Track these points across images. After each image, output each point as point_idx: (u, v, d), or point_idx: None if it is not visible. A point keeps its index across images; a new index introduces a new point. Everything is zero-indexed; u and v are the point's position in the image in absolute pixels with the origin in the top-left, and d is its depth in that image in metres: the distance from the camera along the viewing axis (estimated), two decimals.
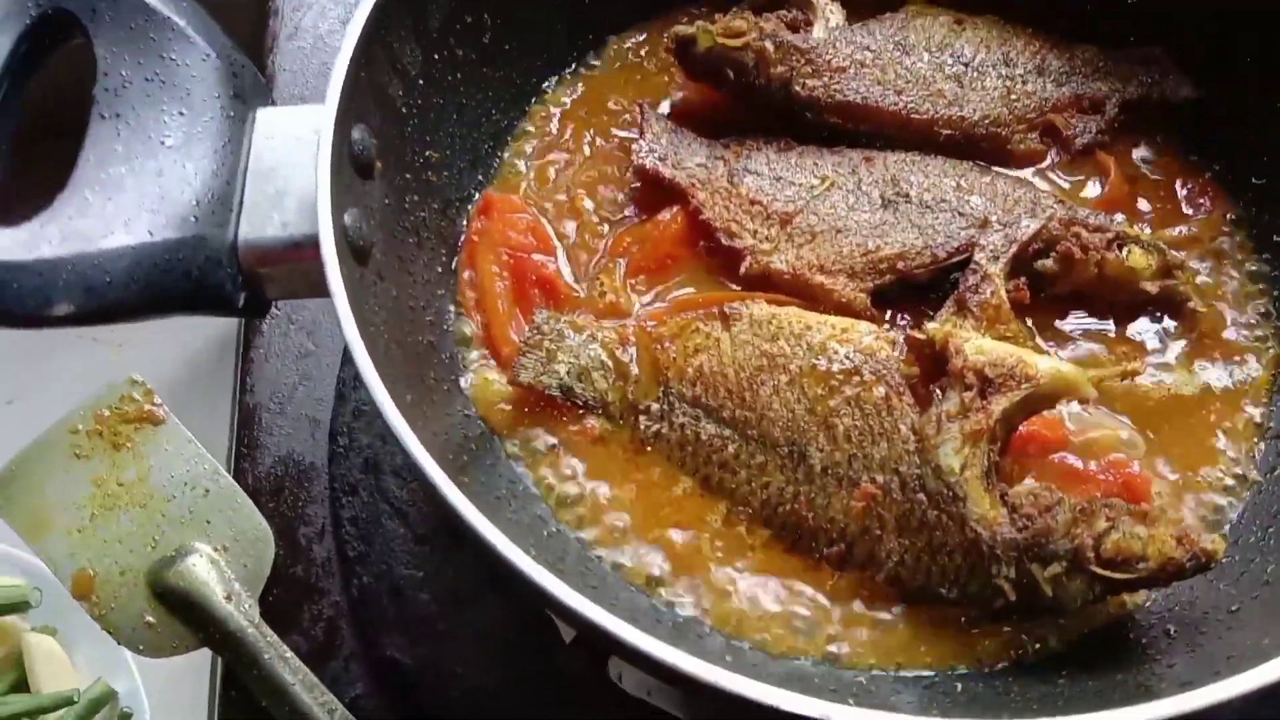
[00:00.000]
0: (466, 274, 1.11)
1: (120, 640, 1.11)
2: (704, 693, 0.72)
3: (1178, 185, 1.17)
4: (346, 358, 1.27)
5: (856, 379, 0.97)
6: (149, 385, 1.23)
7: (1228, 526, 0.99)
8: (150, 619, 1.12)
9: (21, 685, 1.57)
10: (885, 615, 0.94)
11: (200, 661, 1.75)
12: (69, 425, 1.21)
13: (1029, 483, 0.92)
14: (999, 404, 0.90)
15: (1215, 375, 1.06)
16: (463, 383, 1.05)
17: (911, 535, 0.91)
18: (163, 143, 0.90)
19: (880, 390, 0.96)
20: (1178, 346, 1.08)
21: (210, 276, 0.87)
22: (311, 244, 0.88)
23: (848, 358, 0.98)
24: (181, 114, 0.92)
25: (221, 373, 2.06)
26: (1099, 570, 0.85)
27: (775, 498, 0.97)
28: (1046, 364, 0.92)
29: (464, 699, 1.06)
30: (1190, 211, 1.15)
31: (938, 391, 0.94)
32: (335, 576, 1.17)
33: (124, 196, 0.86)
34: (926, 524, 0.91)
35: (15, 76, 0.91)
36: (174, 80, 0.94)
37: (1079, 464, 1.00)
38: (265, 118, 0.97)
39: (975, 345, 0.94)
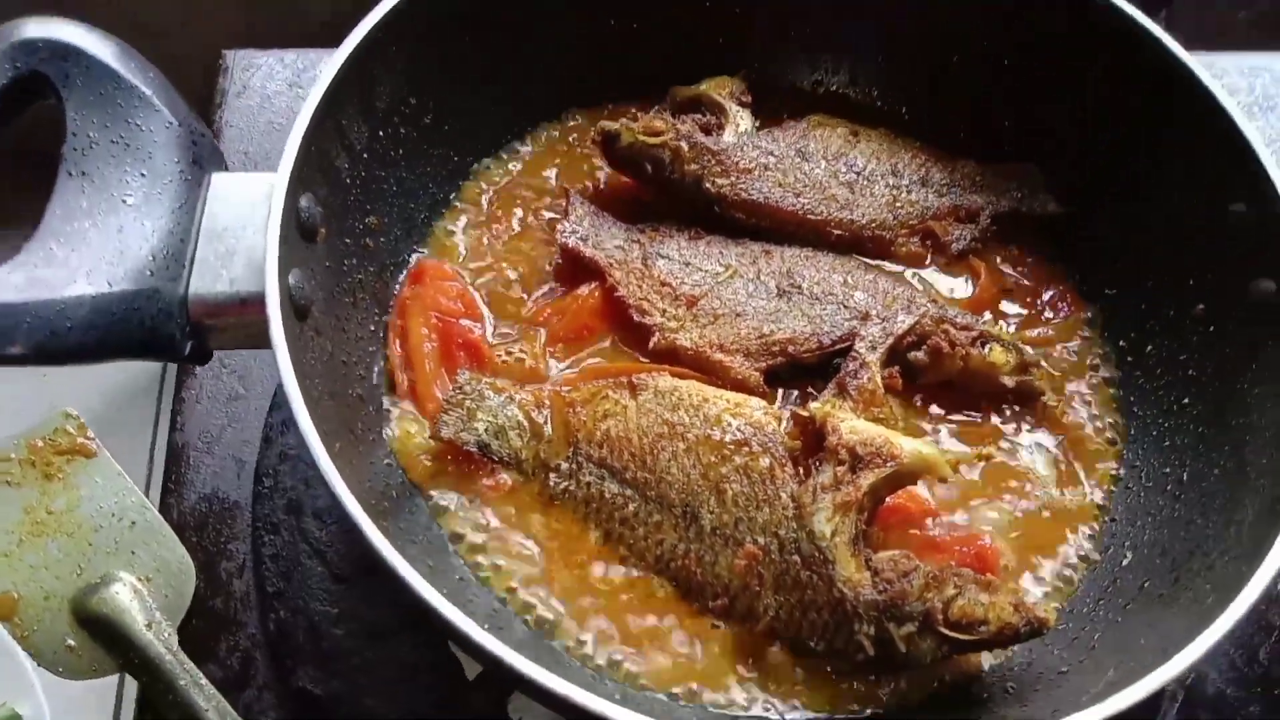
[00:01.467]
0: (397, 333, 1.20)
1: (41, 662, 1.16)
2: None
3: (1042, 290, 1.31)
4: (275, 403, 1.35)
5: (746, 449, 1.08)
6: (82, 419, 1.29)
7: (1071, 596, 1.11)
8: (72, 643, 1.17)
9: None
10: (766, 663, 1.04)
11: (105, 689, 1.79)
12: (2, 454, 1.26)
13: (891, 551, 1.03)
14: (867, 478, 1.02)
15: (1064, 467, 1.18)
16: (387, 434, 1.13)
17: (786, 592, 1.02)
18: (124, 201, 0.98)
19: (766, 461, 1.07)
20: (1037, 436, 1.20)
21: (162, 327, 0.95)
22: (257, 300, 0.96)
23: (739, 430, 1.09)
24: (143, 175, 1.01)
25: (142, 409, 2.12)
26: (946, 631, 0.97)
27: (668, 554, 1.07)
28: (910, 445, 1.04)
29: None
30: (1050, 315, 1.29)
31: (815, 464, 1.05)
32: (253, 610, 1.23)
33: (86, 249, 0.94)
34: (800, 583, 1.01)
35: None
36: (138, 144, 1.02)
37: (937, 534, 1.12)
38: (219, 182, 1.05)
39: (849, 425, 1.05)
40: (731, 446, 1.08)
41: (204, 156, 1.05)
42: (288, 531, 1.24)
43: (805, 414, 1.09)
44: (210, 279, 0.99)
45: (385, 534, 0.88)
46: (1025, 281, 1.31)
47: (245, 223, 1.03)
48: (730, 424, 1.10)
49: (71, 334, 0.90)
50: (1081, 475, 1.18)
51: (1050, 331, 1.27)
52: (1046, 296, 1.30)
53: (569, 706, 0.83)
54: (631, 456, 1.10)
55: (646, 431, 1.10)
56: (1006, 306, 1.29)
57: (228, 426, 1.36)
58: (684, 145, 1.25)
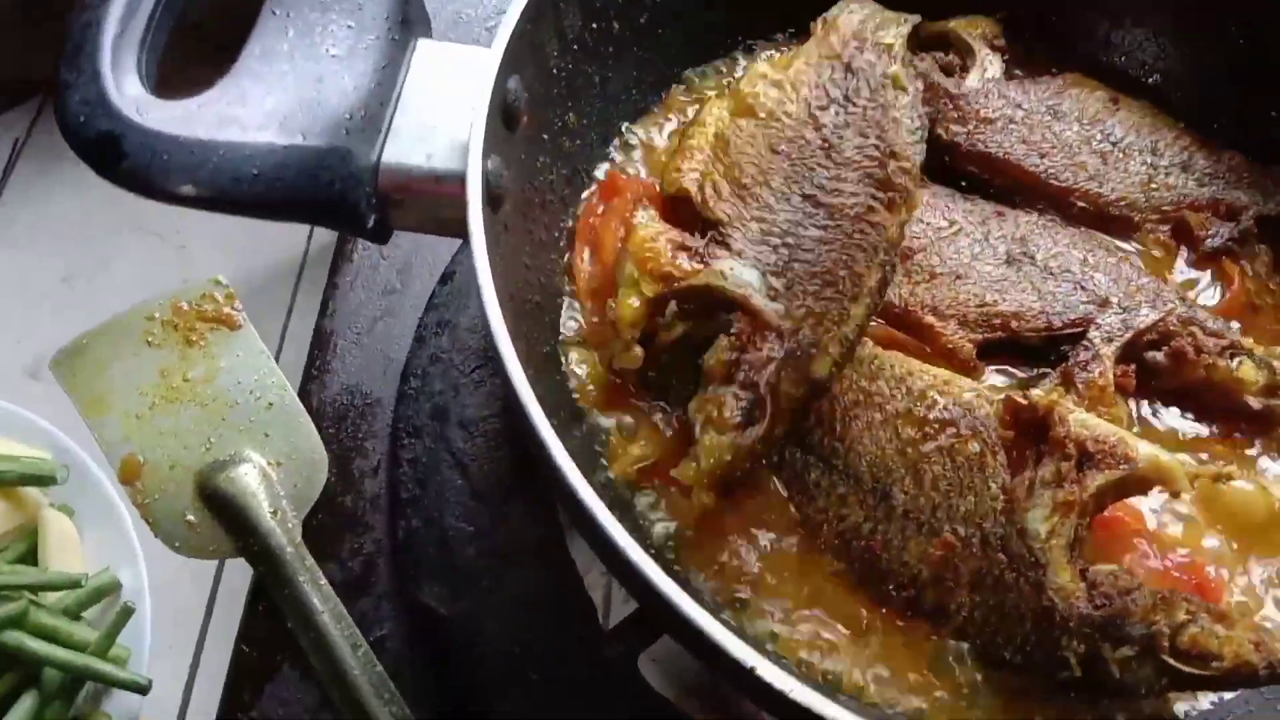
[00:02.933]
0: (583, 252, 1.10)
1: (157, 533, 1.11)
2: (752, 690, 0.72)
3: None
4: (431, 304, 1.27)
5: (952, 430, 0.96)
6: (231, 289, 1.23)
7: None
8: (192, 518, 1.11)
9: (30, 559, 1.57)
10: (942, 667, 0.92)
11: (203, 570, 1.76)
12: (146, 312, 1.21)
13: (1111, 565, 0.91)
14: (1095, 479, 0.89)
15: None
16: (561, 353, 1.04)
17: (985, 593, 0.90)
18: (328, 50, 0.90)
19: (975, 446, 0.95)
20: (1277, 463, 1.06)
21: (350, 192, 0.87)
22: (453, 180, 0.87)
23: (946, 409, 0.97)
24: (350, 27, 0.92)
25: (276, 295, 2.07)
26: (1171, 661, 0.84)
27: (851, 531, 0.95)
28: (1147, 449, 0.90)
29: (492, 660, 1.05)
30: None
31: (1033, 457, 0.92)
32: (383, 515, 1.16)
33: (283, 94, 0.86)
34: (1002, 584, 0.89)
35: None
36: None
37: (1155, 557, 0.98)
38: (426, 49, 0.96)
39: (1079, 418, 0.92)
40: (936, 425, 0.96)
41: (413, 18, 0.96)
42: (430, 438, 1.17)
43: (1025, 401, 0.97)
44: (406, 150, 0.91)
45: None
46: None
47: (449, 96, 0.94)
48: (936, 401, 0.97)
49: (257, 182, 0.82)
50: None
51: None
52: None
53: (730, 664, 0.73)
54: (819, 421, 0.98)
55: (839, 397, 0.99)
56: (1256, 320, 1.13)
57: (380, 319, 1.29)
58: (919, 84, 1.12)
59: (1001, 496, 0.92)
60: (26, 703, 1.45)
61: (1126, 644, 0.85)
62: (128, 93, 0.81)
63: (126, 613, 1.52)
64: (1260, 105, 1.20)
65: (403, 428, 1.18)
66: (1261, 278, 1.15)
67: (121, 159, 0.79)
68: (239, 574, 1.74)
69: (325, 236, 2.09)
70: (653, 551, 0.95)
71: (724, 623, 0.90)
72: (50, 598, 1.52)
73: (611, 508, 0.81)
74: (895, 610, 0.94)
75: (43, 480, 1.57)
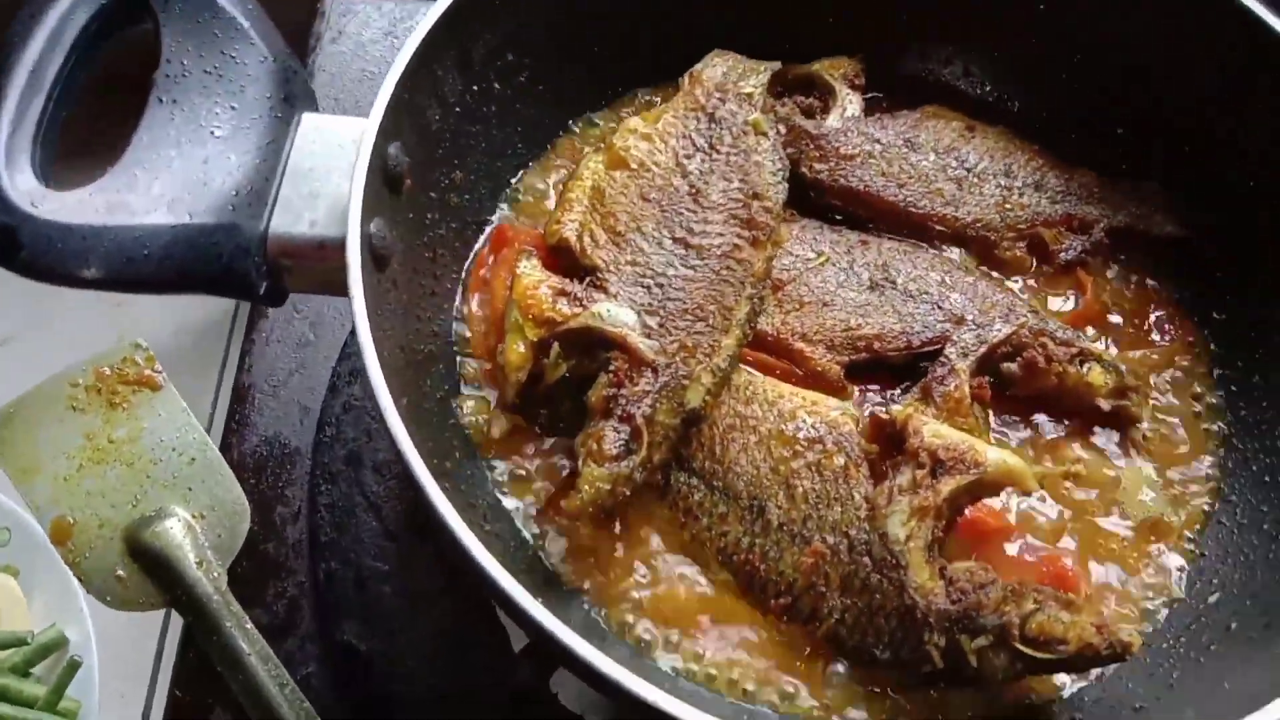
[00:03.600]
0: (475, 300, 1.17)
1: (90, 589, 1.15)
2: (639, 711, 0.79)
3: (1150, 310, 1.24)
4: (344, 353, 1.33)
5: (819, 447, 1.03)
6: (151, 352, 1.28)
7: (1150, 629, 1.05)
8: (122, 573, 1.16)
9: None
10: (823, 670, 1.00)
11: (150, 622, 1.80)
12: (69, 378, 1.26)
13: (968, 562, 0.98)
14: (947, 484, 0.97)
15: (1154, 497, 1.12)
16: (454, 399, 1.11)
17: (853, 595, 0.98)
18: (212, 133, 0.97)
19: (840, 460, 1.02)
20: (1129, 461, 1.14)
21: (239, 263, 0.93)
22: (337, 245, 0.94)
23: (814, 427, 1.05)
24: (233, 108, 0.99)
25: (211, 348, 2.13)
26: (1021, 647, 0.91)
27: (732, 546, 1.03)
28: (995, 454, 0.99)
29: (411, 691, 1.11)
30: (1157, 337, 1.22)
31: (892, 468, 1.00)
32: (304, 559, 1.22)
33: (171, 178, 0.93)
34: (868, 586, 0.97)
35: (83, 51, 0.98)
36: (231, 76, 1.00)
37: (1014, 554, 1.06)
38: (309, 122, 1.03)
39: (933, 429, 1.01)
40: (804, 443, 1.04)
41: (296, 95, 1.03)
42: (345, 482, 1.23)
43: (886, 416, 1.05)
44: (291, 219, 0.97)
45: (445, 493, 0.85)
46: (1132, 299, 1.24)
47: (332, 166, 1.01)
48: (805, 421, 1.05)
49: (148, 262, 0.89)
50: (1171, 507, 1.12)
51: (1154, 355, 1.20)
52: (1154, 317, 1.23)
53: (614, 688, 0.80)
54: (699, 445, 1.06)
55: (717, 422, 1.06)
56: (1109, 325, 1.22)
57: (295, 372, 1.35)
58: (781, 128, 1.20)
59: (865, 505, 1.00)
60: None
61: (981, 634, 0.93)
62: (21, 187, 0.87)
63: (74, 666, 1.57)
64: (1105, 124, 1.29)
65: (320, 474, 1.24)
66: (1113, 285, 1.24)
67: (18, 250, 0.85)
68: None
69: None
70: (548, 579, 1.02)
71: (615, 642, 0.98)
72: (1, 656, 1.57)
73: (504, 542, 0.88)
74: (775, 615, 1.01)
75: None
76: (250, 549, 1.21)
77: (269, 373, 1.34)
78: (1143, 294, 1.24)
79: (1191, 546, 1.10)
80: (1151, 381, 1.18)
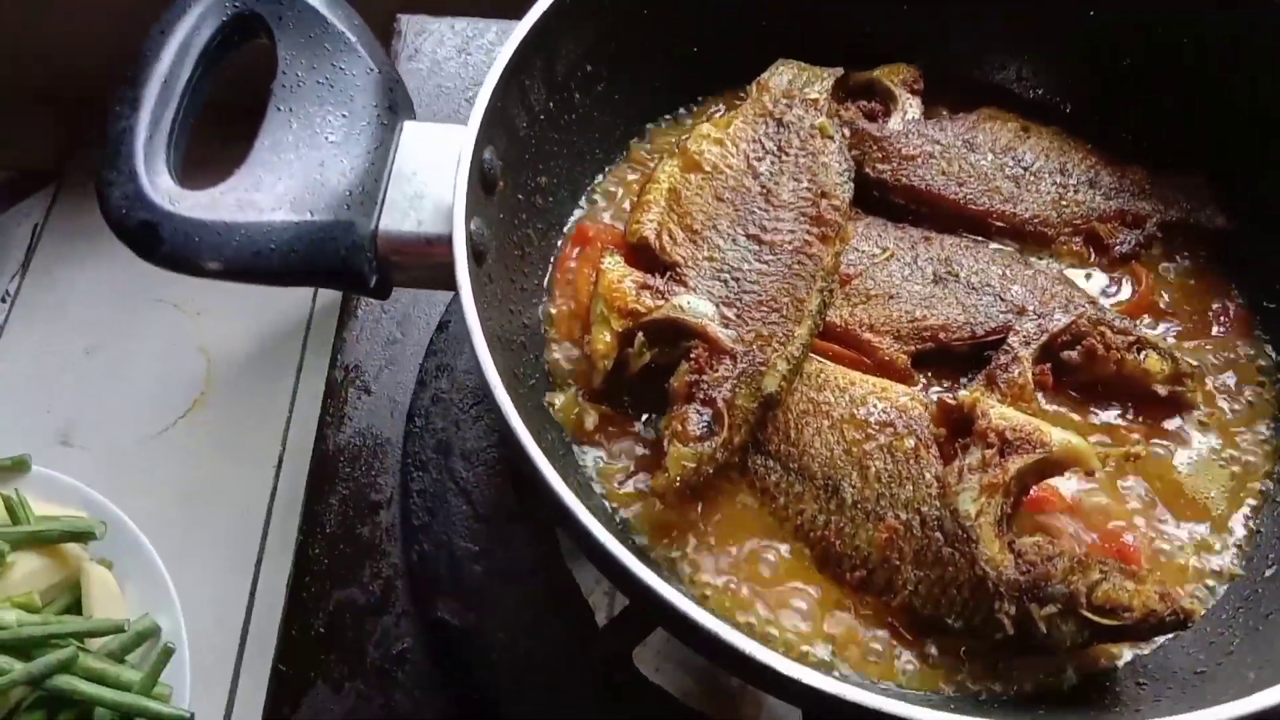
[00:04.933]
0: (561, 294, 1.24)
1: None
2: (740, 668, 0.84)
3: (1206, 300, 1.28)
4: (430, 349, 1.41)
5: (890, 430, 1.09)
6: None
7: (1211, 602, 1.10)
8: None
9: (75, 609, 1.70)
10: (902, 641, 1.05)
11: (235, 616, 1.88)
12: None
13: (1035, 536, 1.04)
14: (1015, 463, 1.02)
15: (1211, 478, 1.17)
16: (545, 389, 1.18)
17: (926, 568, 1.03)
18: (327, 138, 1.04)
19: (910, 441, 1.08)
20: (1187, 444, 1.19)
21: (353, 258, 1.01)
22: (441, 242, 1.01)
23: (884, 411, 1.11)
24: (344, 115, 1.07)
25: (287, 352, 2.21)
26: (1088, 614, 0.96)
27: (809, 523, 1.09)
28: (1060, 434, 1.04)
29: (502, 662, 1.18)
30: (1215, 328, 1.27)
31: (961, 448, 1.06)
32: (397, 541, 1.29)
33: (291, 179, 1.00)
34: (941, 559, 1.03)
35: (208, 63, 1.06)
36: (340, 86, 1.08)
37: (1080, 529, 1.12)
38: (411, 129, 1.11)
39: (999, 411, 1.06)
40: (876, 426, 1.10)
41: (399, 104, 1.11)
42: (435, 470, 1.30)
43: (953, 401, 1.11)
44: (399, 218, 1.05)
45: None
46: (1187, 291, 1.29)
47: (433, 169, 1.08)
48: (876, 405, 1.11)
49: (275, 255, 0.96)
50: (1227, 488, 1.16)
51: (1208, 344, 1.25)
52: (1210, 309, 1.28)
53: (706, 636, 0.85)
54: (776, 430, 1.12)
55: (792, 409, 1.12)
56: (1165, 314, 1.27)
57: (385, 368, 1.43)
58: (846, 131, 1.27)
59: (936, 484, 1.06)
60: None
61: (1051, 603, 0.98)
62: (160, 186, 0.95)
63: (167, 653, 1.65)
64: (1155, 122, 1.35)
65: (411, 463, 1.32)
66: (1168, 277, 1.29)
67: (160, 244, 0.93)
68: (267, 617, 1.87)
69: (327, 297, 2.23)
70: (638, 554, 1.08)
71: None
72: (96, 643, 1.65)
73: (599, 518, 0.94)
74: (852, 588, 1.07)
75: (82, 536, 1.71)
76: (347, 533, 1.30)
77: (360, 370, 1.42)
78: (1197, 285, 1.29)
79: (1249, 525, 1.14)
80: (1207, 369, 1.23)
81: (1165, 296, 1.28)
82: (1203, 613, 0.97)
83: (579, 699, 1.16)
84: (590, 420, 1.15)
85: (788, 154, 1.23)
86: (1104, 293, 1.28)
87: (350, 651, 1.23)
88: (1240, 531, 1.14)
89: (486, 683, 1.19)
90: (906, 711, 0.81)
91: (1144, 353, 1.18)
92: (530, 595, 1.22)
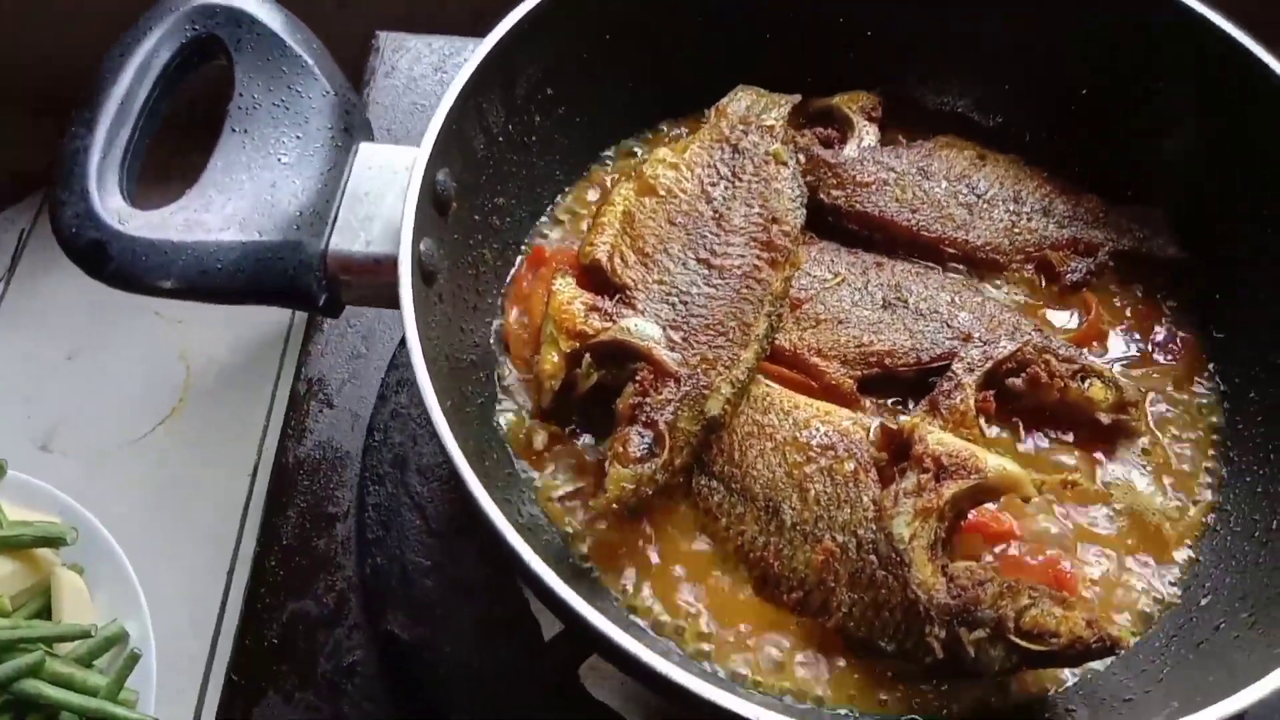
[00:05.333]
0: (514, 313, 1.26)
1: None
2: (671, 695, 0.86)
3: (1153, 329, 1.30)
4: (393, 364, 1.43)
5: (831, 453, 1.11)
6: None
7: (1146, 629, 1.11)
8: None
9: (45, 614, 1.72)
10: (836, 662, 1.07)
11: (206, 622, 1.90)
12: None
13: (969, 561, 1.05)
14: (949, 488, 1.04)
15: (1152, 507, 1.18)
16: (495, 408, 1.19)
17: (861, 590, 1.05)
18: (279, 159, 1.07)
19: (850, 465, 1.10)
20: (1130, 473, 1.20)
21: (302, 276, 1.03)
22: (390, 261, 1.03)
23: (827, 435, 1.12)
24: (298, 137, 1.09)
25: (266, 361, 2.23)
26: (1016, 639, 0.98)
27: (749, 544, 1.10)
28: (995, 461, 1.06)
29: (451, 675, 1.20)
30: (1160, 356, 1.28)
31: (899, 472, 1.08)
32: (352, 555, 1.31)
33: (242, 199, 1.03)
34: (875, 582, 1.04)
35: (166, 84, 1.08)
36: (296, 108, 1.10)
37: (1018, 556, 1.13)
38: (366, 151, 1.13)
39: (936, 437, 1.08)
40: (817, 449, 1.12)
41: (354, 126, 1.13)
42: (391, 484, 1.32)
43: (894, 426, 1.12)
44: (349, 238, 1.07)
45: (484, 487, 0.93)
46: (1135, 319, 1.31)
47: (386, 190, 1.10)
48: (818, 429, 1.13)
49: (221, 274, 0.98)
50: (1167, 517, 1.18)
51: (1155, 373, 1.27)
52: (1156, 338, 1.30)
53: (642, 669, 0.87)
54: (720, 452, 1.14)
55: (737, 430, 1.14)
56: (1114, 343, 1.29)
57: (348, 382, 1.45)
58: (801, 157, 1.29)
59: (873, 507, 1.07)
60: None
61: (980, 627, 1.00)
62: (110, 206, 0.98)
63: (133, 658, 1.67)
64: (1113, 152, 1.37)
65: (368, 476, 1.34)
66: (1117, 306, 1.31)
67: (109, 262, 0.96)
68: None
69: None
70: (577, 573, 1.10)
71: (638, 629, 1.06)
72: (64, 648, 1.67)
73: (538, 539, 0.96)
74: (789, 610, 1.08)
75: (54, 542, 1.73)
76: (303, 545, 1.32)
77: (323, 383, 1.44)
78: (1146, 314, 1.31)
79: (1187, 554, 1.16)
80: (1151, 398, 1.24)
81: (1115, 325, 1.30)
82: (1131, 640, 0.98)
83: (527, 712, 1.18)
84: (539, 440, 1.17)
85: (741, 179, 1.25)
86: (1051, 321, 1.29)
87: (302, 663, 1.25)
88: (1180, 559, 1.16)
89: (436, 696, 1.20)
90: None
91: (1088, 380, 1.20)
92: (480, 610, 1.23)
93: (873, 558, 1.05)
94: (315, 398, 1.43)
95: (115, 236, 0.96)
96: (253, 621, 1.27)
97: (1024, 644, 0.99)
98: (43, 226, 2.40)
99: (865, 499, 1.08)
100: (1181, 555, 1.16)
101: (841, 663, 1.07)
